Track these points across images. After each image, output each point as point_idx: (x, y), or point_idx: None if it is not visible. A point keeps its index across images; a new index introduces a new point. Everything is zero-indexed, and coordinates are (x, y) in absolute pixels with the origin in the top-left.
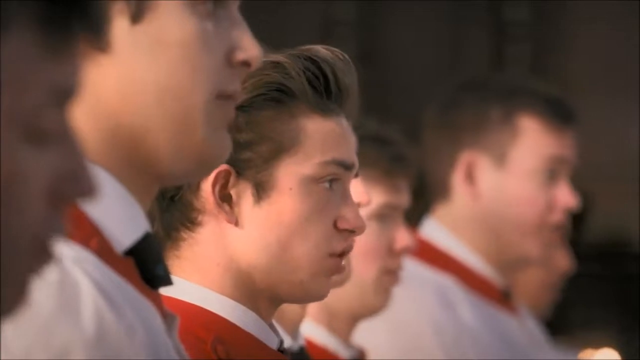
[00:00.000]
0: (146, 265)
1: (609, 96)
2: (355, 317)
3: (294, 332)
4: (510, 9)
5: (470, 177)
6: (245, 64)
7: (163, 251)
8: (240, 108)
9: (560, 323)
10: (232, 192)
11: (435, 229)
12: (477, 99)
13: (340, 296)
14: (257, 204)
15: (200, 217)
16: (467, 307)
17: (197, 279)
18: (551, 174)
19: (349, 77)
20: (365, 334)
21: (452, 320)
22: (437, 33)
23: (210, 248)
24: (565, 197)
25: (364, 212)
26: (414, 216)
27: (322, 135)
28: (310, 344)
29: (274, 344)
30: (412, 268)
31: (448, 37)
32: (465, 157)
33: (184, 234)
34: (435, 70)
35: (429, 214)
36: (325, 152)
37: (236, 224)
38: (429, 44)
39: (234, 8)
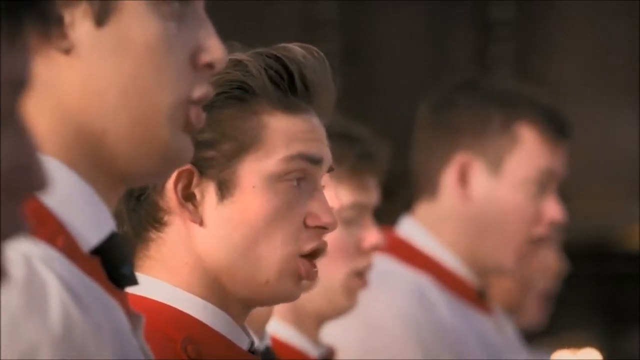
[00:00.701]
0: (112, 265)
1: (595, 96)
2: (322, 318)
3: (260, 332)
4: (495, 9)
5: (463, 178)
6: (210, 66)
7: (131, 251)
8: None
9: (545, 323)
10: (196, 191)
11: (412, 227)
12: (477, 101)
13: (307, 296)
14: (221, 202)
15: (166, 217)
16: (444, 306)
17: (167, 278)
18: (542, 187)
19: (320, 74)
20: (341, 333)
21: (430, 319)
22: (422, 32)
23: (178, 248)
24: (553, 210)
25: None
26: (388, 216)
27: (286, 132)
28: (279, 343)
29: (244, 345)
30: (389, 266)
31: (433, 36)
32: (460, 158)
33: (152, 234)
34: (419, 69)
35: (409, 213)
36: (289, 147)
37: (201, 223)
38: (413, 43)
39: (200, 7)
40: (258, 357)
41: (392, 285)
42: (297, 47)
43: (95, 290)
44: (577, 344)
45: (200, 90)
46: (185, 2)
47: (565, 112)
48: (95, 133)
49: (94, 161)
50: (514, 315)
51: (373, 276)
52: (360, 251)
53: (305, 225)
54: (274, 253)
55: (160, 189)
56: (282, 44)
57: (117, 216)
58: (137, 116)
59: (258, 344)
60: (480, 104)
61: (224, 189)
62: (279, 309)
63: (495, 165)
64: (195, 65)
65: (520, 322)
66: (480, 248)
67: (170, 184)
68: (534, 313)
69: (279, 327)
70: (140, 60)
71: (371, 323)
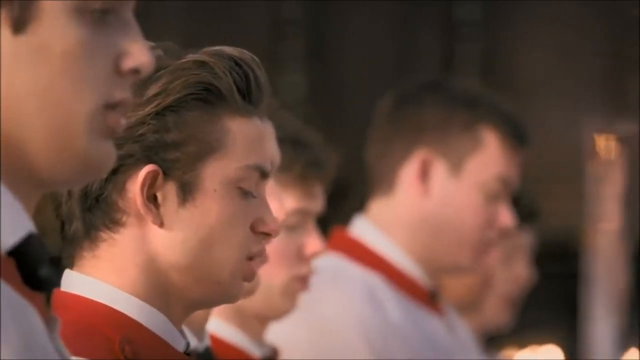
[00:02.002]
0: (29, 267)
1: (561, 96)
2: (261, 319)
3: (199, 333)
4: (461, 9)
5: (423, 175)
6: (135, 71)
7: (50, 253)
8: (168, 108)
9: (508, 324)
10: (158, 193)
11: (364, 227)
12: (442, 100)
13: (247, 299)
14: (183, 205)
15: (124, 218)
16: (394, 306)
17: (112, 279)
18: (497, 192)
19: (264, 77)
20: (290, 332)
21: (380, 319)
22: (388, 32)
23: (130, 249)
24: (505, 217)
25: None
26: (332, 220)
27: (246, 138)
28: (221, 343)
29: (180, 347)
30: (340, 265)
31: (399, 36)
32: (421, 154)
33: (104, 234)
34: (384, 69)
35: (361, 212)
36: (248, 156)
37: (161, 225)
38: (378, 43)
39: (127, 13)
40: (193, 358)
41: (342, 284)
42: (231, 50)
43: (6, 293)
44: (540, 343)
45: (119, 96)
46: (111, 8)
47: (530, 112)
48: (14, 141)
49: (12, 168)
50: (472, 315)
51: (324, 275)
52: (302, 258)
53: (252, 231)
54: (228, 255)
55: (120, 190)
56: (215, 47)
57: (67, 215)
58: (53, 125)
59: (197, 345)
60: (445, 103)
61: (187, 192)
62: (221, 309)
63: (456, 166)
64: (119, 71)
65: (482, 323)
66: (435, 247)
67: (136, 186)
68: (497, 315)
69: (221, 327)
70: (57, 68)
71: (321, 322)
